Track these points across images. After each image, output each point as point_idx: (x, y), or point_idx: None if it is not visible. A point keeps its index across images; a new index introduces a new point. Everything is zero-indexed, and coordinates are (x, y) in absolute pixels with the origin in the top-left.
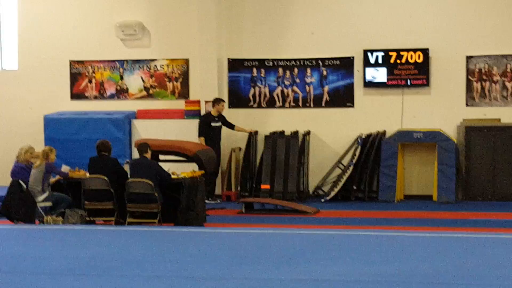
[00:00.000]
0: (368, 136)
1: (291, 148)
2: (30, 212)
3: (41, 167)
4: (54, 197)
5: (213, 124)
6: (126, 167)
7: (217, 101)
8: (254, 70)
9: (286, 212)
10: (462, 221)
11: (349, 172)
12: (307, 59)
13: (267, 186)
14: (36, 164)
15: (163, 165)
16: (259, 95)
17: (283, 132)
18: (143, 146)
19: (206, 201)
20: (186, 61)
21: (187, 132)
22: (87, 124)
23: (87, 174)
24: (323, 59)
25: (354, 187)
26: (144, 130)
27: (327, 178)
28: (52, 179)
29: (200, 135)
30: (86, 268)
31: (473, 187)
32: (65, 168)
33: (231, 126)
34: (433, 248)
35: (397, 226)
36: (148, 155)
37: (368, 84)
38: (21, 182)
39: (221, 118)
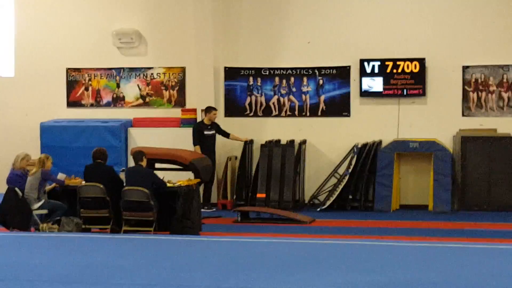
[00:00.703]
0: (364, 145)
1: (287, 157)
2: (25, 220)
3: (37, 175)
4: (50, 205)
5: (205, 132)
6: (122, 175)
7: (208, 110)
8: (251, 78)
9: (281, 221)
10: (458, 231)
11: (345, 181)
12: (303, 68)
13: (263, 195)
14: (32, 172)
15: (159, 174)
16: (256, 104)
17: (279, 141)
18: (138, 154)
19: (202, 209)
20: (183, 70)
21: (183, 140)
22: (83, 132)
23: (83, 182)
24: (319, 68)
25: (350, 197)
26: (140, 138)
27: (323, 187)
28: (48, 187)
29: (195, 144)
30: (81, 276)
31: (469, 197)
32: (61, 176)
33: (226, 134)
34: (429, 258)
35: (392, 235)
36: (144, 163)
37: (365, 94)
38: (17, 189)
39: (214, 126)
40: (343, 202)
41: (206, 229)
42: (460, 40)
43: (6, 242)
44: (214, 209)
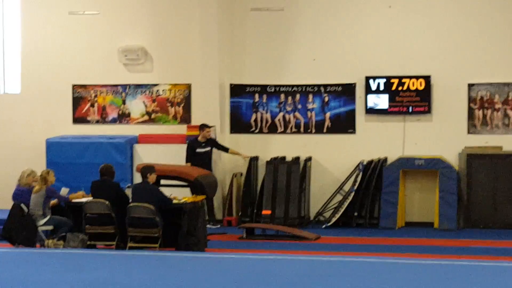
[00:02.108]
0: (370, 162)
1: (293, 174)
2: (31, 236)
3: (41, 192)
4: (55, 221)
5: (198, 150)
6: (128, 192)
7: (202, 127)
8: (256, 95)
9: (287, 238)
10: (464, 248)
11: (350, 198)
12: (309, 85)
13: (268, 212)
14: (35, 189)
15: (165, 190)
16: (261, 121)
17: (284, 157)
18: (147, 169)
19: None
20: (188, 86)
21: None
22: (89, 148)
23: (83, 193)
24: (325, 85)
25: (355, 214)
26: (145, 154)
27: (328, 204)
28: (52, 201)
29: (186, 161)
30: None
31: (475, 214)
32: (64, 191)
33: (225, 149)
34: (435, 275)
35: (398, 253)
36: (152, 178)
37: (370, 111)
38: (22, 205)
39: (210, 143)
40: (349, 219)
41: (211, 245)
42: (465, 58)
43: (12, 258)
44: (219, 226)
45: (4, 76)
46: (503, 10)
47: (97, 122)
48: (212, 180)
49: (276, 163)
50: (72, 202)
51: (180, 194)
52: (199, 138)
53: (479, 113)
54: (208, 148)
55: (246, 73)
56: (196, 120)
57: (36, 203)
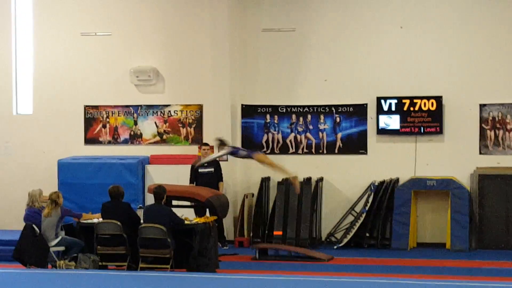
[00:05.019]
0: (381, 183)
1: (304, 195)
2: (42, 257)
3: (56, 213)
4: (67, 242)
5: (200, 170)
6: (139, 212)
7: (199, 146)
8: (268, 116)
9: (300, 258)
10: (476, 269)
11: (362, 219)
12: (320, 106)
13: (280, 232)
14: (45, 212)
15: (176, 211)
16: (272, 141)
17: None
18: (161, 192)
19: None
20: (200, 107)
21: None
22: (101, 169)
23: (92, 214)
24: (336, 106)
25: (367, 234)
26: (157, 175)
27: (340, 224)
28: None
29: (190, 182)
30: None
31: (487, 235)
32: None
33: (218, 177)
34: None
35: (410, 274)
36: (164, 200)
37: (381, 131)
38: (34, 226)
39: (213, 164)
40: (360, 239)
41: (223, 266)
42: (477, 78)
43: (23, 279)
44: (227, 247)
45: (16, 97)
46: None
47: (109, 143)
48: (223, 201)
49: (287, 183)
50: (83, 223)
51: (191, 215)
52: (201, 159)
53: (490, 134)
54: (211, 169)
55: (257, 93)
56: (207, 141)
57: (48, 225)
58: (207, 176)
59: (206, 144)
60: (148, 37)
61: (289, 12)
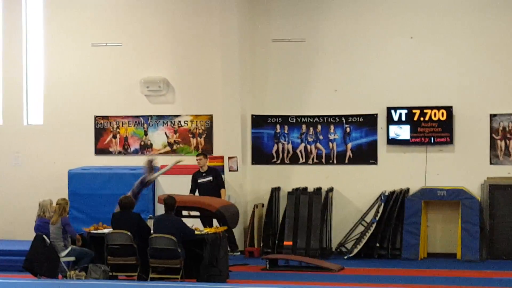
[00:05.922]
0: (392, 193)
1: (314, 205)
2: (53, 267)
3: (58, 224)
4: (77, 252)
5: (199, 180)
6: (149, 223)
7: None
8: (278, 126)
9: (310, 269)
10: (487, 280)
11: (372, 229)
12: (330, 116)
13: (290, 243)
14: (53, 220)
15: (186, 221)
16: (282, 152)
17: (306, 188)
18: (171, 202)
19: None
20: (210, 117)
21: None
22: (111, 179)
23: (102, 225)
24: (346, 116)
25: (377, 245)
26: (167, 185)
27: (350, 235)
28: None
29: (190, 192)
30: None
31: (498, 245)
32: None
33: (219, 185)
34: None
35: (420, 284)
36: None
37: (392, 141)
38: (44, 236)
39: (212, 173)
40: (370, 250)
41: (234, 276)
42: (487, 88)
43: None
44: (238, 253)
45: (27, 107)
46: None
47: (119, 153)
48: (233, 211)
49: (297, 194)
50: (93, 233)
51: (201, 225)
52: (201, 169)
53: (501, 144)
54: (210, 178)
55: (267, 104)
56: (217, 151)
57: (55, 233)
58: (207, 185)
59: (199, 154)
60: (158, 47)
61: (298, 23)
